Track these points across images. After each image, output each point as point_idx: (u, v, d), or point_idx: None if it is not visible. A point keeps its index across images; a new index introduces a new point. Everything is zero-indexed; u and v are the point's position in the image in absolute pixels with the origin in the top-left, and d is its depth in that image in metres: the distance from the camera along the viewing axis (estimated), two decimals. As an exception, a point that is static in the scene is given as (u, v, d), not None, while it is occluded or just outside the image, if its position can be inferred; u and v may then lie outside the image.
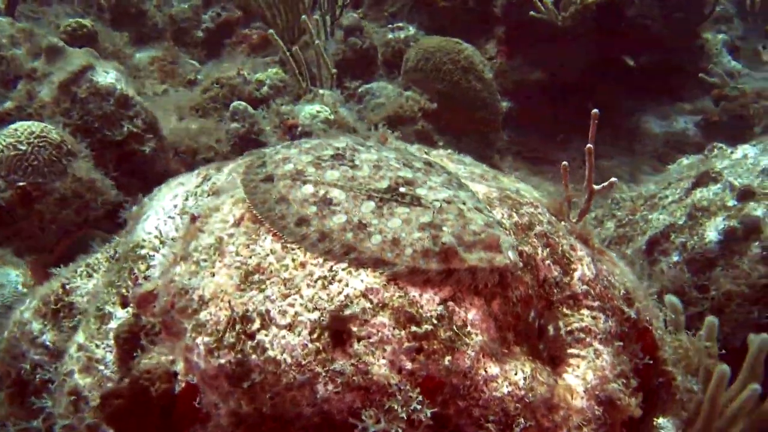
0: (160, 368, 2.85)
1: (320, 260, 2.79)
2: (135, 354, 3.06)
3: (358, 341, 2.62)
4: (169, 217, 3.55)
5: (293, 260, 2.81)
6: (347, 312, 2.65)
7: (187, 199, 3.58)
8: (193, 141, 7.06)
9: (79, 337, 3.47)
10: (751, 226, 5.22)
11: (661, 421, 3.81)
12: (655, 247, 5.64)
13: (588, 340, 2.94)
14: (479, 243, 2.74)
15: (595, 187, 3.36)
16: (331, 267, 2.77)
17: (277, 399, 2.63)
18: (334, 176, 3.03)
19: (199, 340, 2.77)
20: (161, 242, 3.47)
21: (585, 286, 3.05)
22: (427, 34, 8.88)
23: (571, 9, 8.59)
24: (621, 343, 3.00)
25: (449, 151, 3.89)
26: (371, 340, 2.62)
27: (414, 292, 2.70)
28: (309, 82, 7.53)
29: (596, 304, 3.03)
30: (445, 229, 2.76)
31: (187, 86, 8.93)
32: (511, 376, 2.72)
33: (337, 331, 2.63)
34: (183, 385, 2.83)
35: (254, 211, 2.99)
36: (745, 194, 5.38)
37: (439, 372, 2.62)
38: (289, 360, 2.62)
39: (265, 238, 2.91)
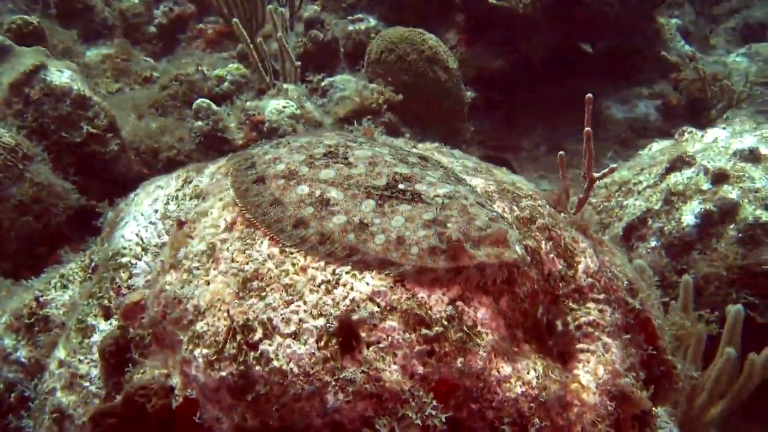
0: (155, 383, 2.70)
1: (322, 264, 2.67)
2: (126, 368, 2.90)
3: (368, 347, 2.51)
4: (150, 222, 3.38)
5: (293, 265, 2.69)
6: (355, 317, 2.53)
7: (167, 203, 3.42)
8: (154, 140, 6.83)
9: (60, 353, 3.29)
10: (727, 209, 5.26)
11: (657, 409, 3.79)
12: (633, 233, 5.65)
13: (596, 334, 2.88)
14: (486, 238, 2.65)
15: (595, 174, 3.29)
16: (334, 270, 2.65)
17: (285, 411, 2.51)
18: (330, 175, 2.90)
19: (197, 352, 2.63)
20: (143, 249, 3.31)
21: (590, 279, 2.99)
22: (388, 25, 8.75)
23: (532, -4, 8.57)
24: (629, 336, 2.95)
25: (436, 144, 3.80)
26: (381, 346, 2.52)
27: (422, 293, 2.60)
28: (272, 76, 7.35)
29: (602, 296, 2.97)
30: (449, 225, 2.67)
31: (143, 84, 8.63)
32: (524, 376, 2.64)
33: (346, 337, 2.51)
34: (181, 399, 2.68)
35: (248, 215, 2.85)
36: (719, 177, 5.41)
37: (451, 375, 2.53)
38: (296, 370, 2.50)
39: (262, 242, 2.78)
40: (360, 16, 9.03)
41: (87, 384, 3.16)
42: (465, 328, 2.58)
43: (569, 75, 9.76)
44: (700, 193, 5.42)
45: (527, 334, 2.81)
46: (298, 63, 7.40)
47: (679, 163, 5.66)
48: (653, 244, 5.47)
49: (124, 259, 3.30)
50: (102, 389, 3.12)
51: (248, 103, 6.56)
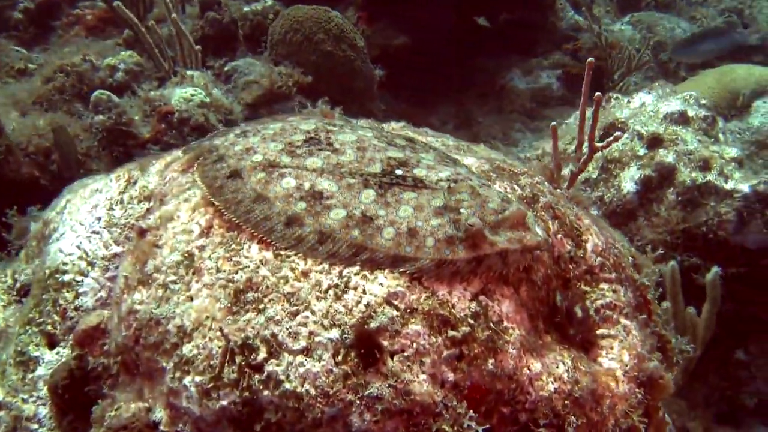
0: (138, 421, 2.29)
1: (325, 266, 2.33)
2: (87, 404, 2.47)
3: (392, 357, 2.21)
4: (93, 232, 2.92)
5: (292, 270, 2.33)
6: (373, 324, 2.22)
7: (111, 208, 2.96)
8: (44, 139, 6.13)
9: (-4, 393, 2.79)
10: (665, 173, 5.24)
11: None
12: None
13: (615, 317, 2.69)
14: (504, 221, 2.38)
15: (597, 144, 3.09)
16: (341, 272, 2.32)
17: (302, 439, 2.17)
18: (317, 164, 2.55)
19: (187, 380, 2.24)
20: (89, 264, 2.85)
21: (599, 258, 2.79)
22: (284, 5, 8.29)
23: (432, -32, 8.33)
24: (645, 316, 2.77)
25: (403, 123, 3.50)
26: (407, 354, 2.21)
27: (442, 291, 2.31)
28: (171, 62, 6.78)
29: (613, 275, 2.78)
30: (463, 211, 2.38)
31: (18, 77, 7.79)
32: (554, 371, 2.41)
33: (366, 348, 2.19)
34: (169, 438, 2.29)
35: (228, 215, 2.46)
36: (654, 142, 5.38)
37: (483, 379, 2.26)
38: (312, 391, 2.16)
39: (250, 246, 2.40)
40: (254, -5, 8.50)
41: (35, 427, 2.69)
42: (492, 325, 2.32)
43: (471, 50, 9.65)
44: (636, 158, 5.37)
45: (546, 324, 2.58)
46: (198, 47, 6.86)
47: (612, 129, 5.59)
48: (594, 213, 5.38)
49: (67, 277, 2.83)
50: (54, 431, 2.67)
51: (152, 93, 5.99)
